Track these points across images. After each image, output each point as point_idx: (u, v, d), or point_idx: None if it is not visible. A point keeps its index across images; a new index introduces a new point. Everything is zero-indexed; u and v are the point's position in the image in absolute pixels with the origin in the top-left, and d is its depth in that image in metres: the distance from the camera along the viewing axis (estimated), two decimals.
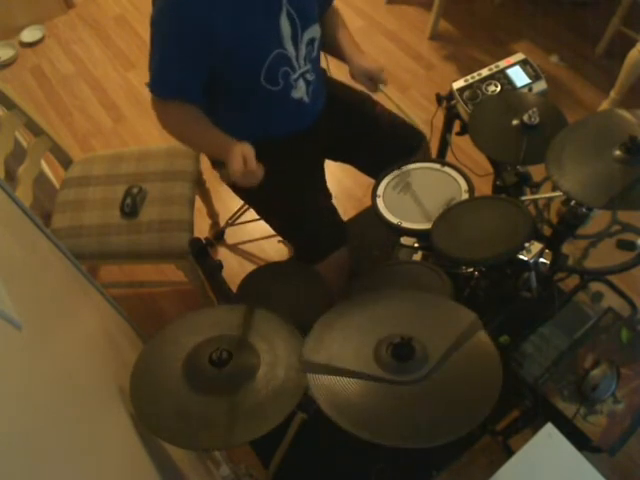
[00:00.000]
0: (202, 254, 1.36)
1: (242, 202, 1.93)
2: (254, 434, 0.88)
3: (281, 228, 1.59)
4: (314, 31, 1.34)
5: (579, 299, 1.45)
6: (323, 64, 1.51)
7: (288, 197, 1.45)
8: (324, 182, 1.59)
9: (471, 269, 1.35)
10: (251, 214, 1.90)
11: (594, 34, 2.54)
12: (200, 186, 1.86)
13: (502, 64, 1.56)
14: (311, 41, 1.34)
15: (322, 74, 1.48)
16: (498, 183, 1.40)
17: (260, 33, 1.24)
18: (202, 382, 0.95)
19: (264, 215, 1.61)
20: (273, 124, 1.43)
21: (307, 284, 1.33)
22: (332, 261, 1.44)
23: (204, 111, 1.33)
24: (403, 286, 1.28)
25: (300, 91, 1.37)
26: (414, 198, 1.35)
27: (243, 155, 1.19)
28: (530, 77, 1.53)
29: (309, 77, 1.38)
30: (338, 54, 1.47)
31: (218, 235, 2.16)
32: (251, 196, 1.59)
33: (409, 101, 2.51)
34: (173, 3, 1.18)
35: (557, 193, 1.27)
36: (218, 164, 1.52)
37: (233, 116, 1.39)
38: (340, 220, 1.53)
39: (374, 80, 1.39)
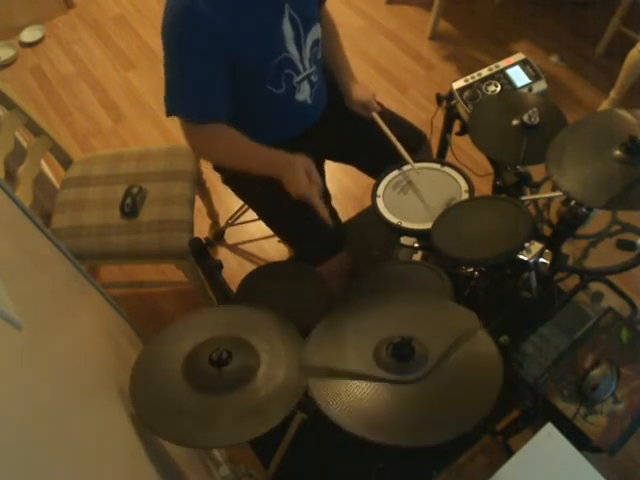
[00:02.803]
0: (202, 254, 1.36)
1: (242, 202, 1.93)
2: (254, 433, 0.89)
3: (281, 232, 1.59)
4: (317, 32, 1.34)
5: (579, 299, 1.45)
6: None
7: (288, 200, 1.45)
8: (324, 184, 1.59)
9: (471, 269, 1.35)
10: (251, 214, 1.90)
11: (594, 34, 2.55)
12: (200, 186, 1.86)
13: (502, 64, 1.56)
14: (316, 42, 1.34)
15: (324, 75, 1.49)
16: (498, 183, 1.40)
17: (265, 39, 1.24)
18: (202, 382, 0.95)
19: (264, 218, 1.60)
20: (276, 127, 1.43)
21: (307, 284, 1.33)
22: (332, 264, 1.44)
23: None
24: (403, 286, 1.28)
25: (304, 93, 1.37)
26: (414, 198, 1.35)
27: (305, 169, 1.22)
28: (530, 77, 1.53)
29: (313, 79, 1.38)
30: (333, 78, 1.52)
31: (218, 235, 2.16)
32: (252, 199, 1.59)
33: (409, 101, 2.51)
34: (181, 20, 1.14)
35: (557, 193, 1.27)
36: (229, 176, 1.53)
37: (235, 119, 1.39)
38: (340, 223, 1.53)
39: (367, 108, 1.48)
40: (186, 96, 1.23)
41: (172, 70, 1.21)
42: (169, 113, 1.23)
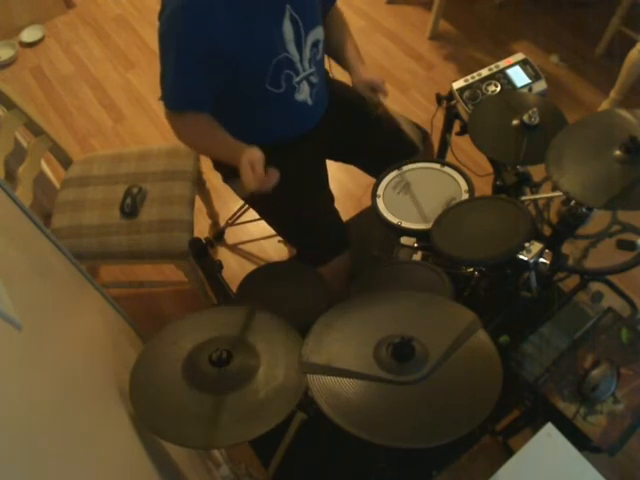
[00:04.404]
0: (202, 254, 1.36)
1: (242, 202, 1.93)
2: (254, 433, 0.89)
3: (284, 232, 1.59)
4: (318, 33, 1.34)
5: (579, 299, 1.45)
6: (325, 65, 1.51)
7: (290, 201, 1.45)
8: (327, 183, 1.59)
9: (471, 269, 1.35)
10: (251, 214, 1.90)
11: (594, 34, 2.54)
12: (200, 186, 1.86)
13: (502, 64, 1.56)
14: (315, 44, 1.34)
15: (326, 76, 1.48)
16: (498, 183, 1.40)
17: (265, 39, 1.24)
18: (202, 382, 0.95)
19: (266, 218, 1.60)
20: (276, 127, 1.43)
21: (307, 284, 1.33)
22: (334, 265, 1.44)
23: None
24: (403, 286, 1.28)
25: (304, 94, 1.38)
26: (414, 198, 1.35)
27: (250, 161, 1.20)
28: (530, 77, 1.53)
29: (313, 80, 1.38)
30: (340, 61, 1.50)
31: (218, 235, 2.16)
32: (253, 199, 1.59)
33: (409, 101, 2.51)
34: (177, 17, 1.17)
35: (557, 193, 1.27)
36: (228, 174, 1.52)
37: (236, 119, 1.39)
38: (342, 224, 1.53)
39: (375, 90, 1.42)
40: (167, 87, 1.28)
41: (162, 60, 1.25)
42: (160, 98, 1.31)
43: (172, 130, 1.35)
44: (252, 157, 1.20)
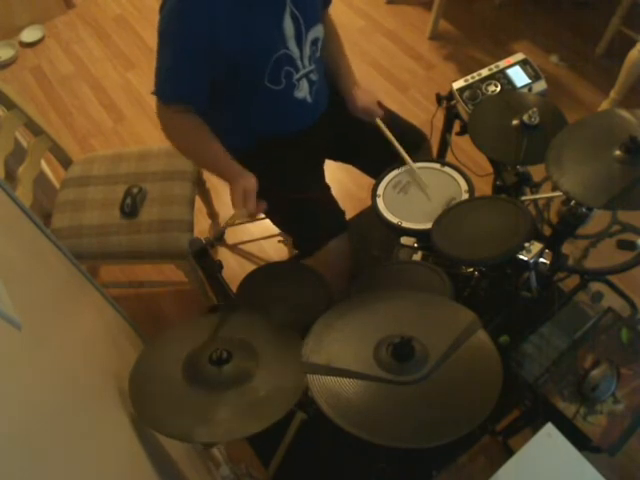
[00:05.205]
0: (202, 254, 1.35)
1: None
2: (253, 429, 0.88)
3: (281, 220, 1.59)
4: (318, 31, 1.34)
5: (579, 299, 1.45)
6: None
7: (287, 188, 1.45)
8: (323, 179, 1.59)
9: (471, 269, 1.35)
10: None
11: (594, 34, 2.55)
12: (200, 186, 1.86)
13: (502, 64, 1.56)
14: (315, 41, 1.35)
15: (326, 75, 1.49)
16: (498, 183, 1.40)
17: (265, 35, 1.24)
18: (202, 381, 0.95)
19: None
20: (274, 123, 1.43)
21: (307, 284, 1.33)
22: (332, 249, 1.43)
23: (205, 115, 1.32)
24: (403, 286, 1.28)
25: (303, 91, 1.38)
26: (414, 198, 1.35)
27: (245, 191, 1.22)
28: (530, 77, 1.53)
29: (313, 77, 1.38)
30: (333, 80, 1.51)
31: (218, 235, 2.16)
32: None
33: (409, 101, 2.51)
34: (177, 10, 1.18)
35: (557, 193, 1.27)
36: None
37: (234, 115, 1.39)
38: (339, 208, 1.53)
39: (370, 114, 1.47)
40: (160, 78, 1.27)
41: (159, 53, 1.25)
42: (153, 92, 1.29)
43: (161, 127, 1.33)
44: (247, 187, 1.23)
